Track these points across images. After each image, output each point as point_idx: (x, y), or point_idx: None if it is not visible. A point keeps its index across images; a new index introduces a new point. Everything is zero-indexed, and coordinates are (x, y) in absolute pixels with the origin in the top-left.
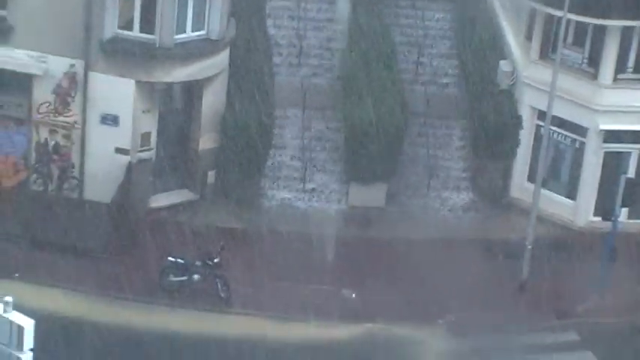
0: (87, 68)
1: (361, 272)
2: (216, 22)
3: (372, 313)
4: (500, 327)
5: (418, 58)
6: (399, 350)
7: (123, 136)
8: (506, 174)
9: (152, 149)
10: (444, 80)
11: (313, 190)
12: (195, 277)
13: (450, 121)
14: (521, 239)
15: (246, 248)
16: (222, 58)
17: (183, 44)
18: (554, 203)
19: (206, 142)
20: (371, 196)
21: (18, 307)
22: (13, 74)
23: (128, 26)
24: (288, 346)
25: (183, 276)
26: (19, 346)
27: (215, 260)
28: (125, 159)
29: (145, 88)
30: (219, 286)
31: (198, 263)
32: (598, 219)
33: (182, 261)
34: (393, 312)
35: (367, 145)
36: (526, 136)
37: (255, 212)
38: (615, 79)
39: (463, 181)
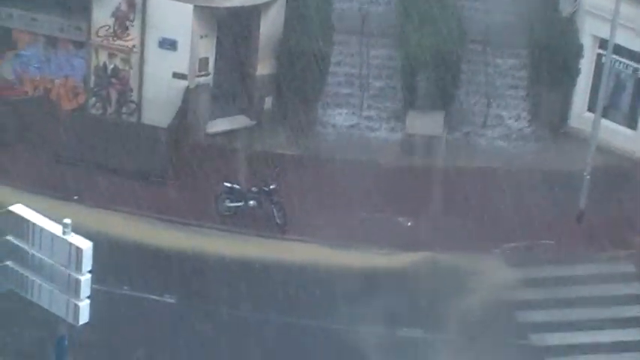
0: None
1: (418, 200)
2: None
3: (428, 242)
4: (557, 257)
5: None
6: (454, 279)
7: (181, 60)
8: (566, 103)
9: (210, 75)
10: (504, 7)
11: (370, 117)
12: (251, 203)
13: (510, 48)
14: (579, 169)
15: (303, 175)
16: None
17: None
18: (613, 133)
19: (263, 68)
20: (428, 123)
21: (77, 230)
22: None
23: None
24: (343, 274)
25: (239, 202)
26: (78, 268)
27: (271, 186)
28: (183, 84)
29: (204, 13)
30: (275, 213)
31: (254, 189)
32: None
33: (238, 187)
34: (449, 241)
35: (425, 72)
36: (586, 65)
37: (312, 139)
38: None
39: (522, 110)
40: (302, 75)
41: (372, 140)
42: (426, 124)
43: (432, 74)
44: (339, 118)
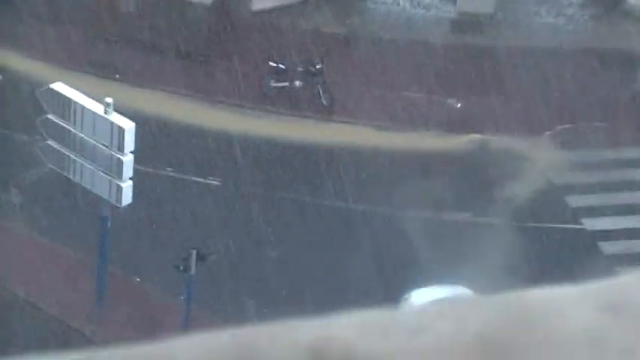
0: None
1: (467, 81)
2: None
3: (477, 124)
4: (610, 140)
5: None
6: (504, 162)
7: None
8: None
9: None
10: None
11: None
12: (297, 83)
13: None
14: (637, 49)
15: (351, 54)
16: None
17: None
18: None
19: None
20: (480, 1)
21: (119, 110)
22: None
23: None
24: (390, 157)
25: (284, 82)
26: (120, 149)
27: (318, 66)
28: None
29: None
30: (322, 93)
31: (300, 69)
32: None
33: (283, 66)
34: (499, 123)
35: None
36: None
37: (360, 17)
38: None
39: None
40: None
41: (423, 18)
42: (477, 1)
43: None
44: None
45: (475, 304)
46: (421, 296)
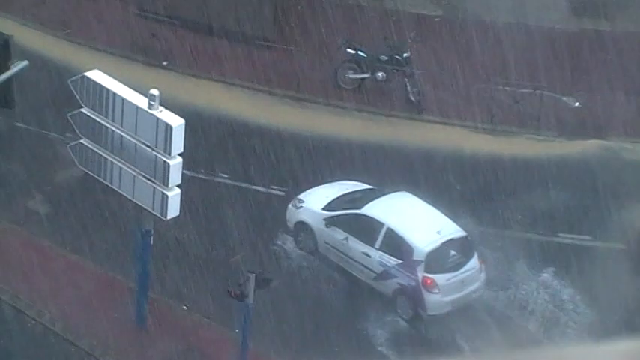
0: None
1: (587, 75)
2: None
3: (599, 127)
4: None
5: None
6: (632, 175)
7: None
8: None
9: None
10: None
11: None
12: (380, 74)
13: None
14: None
15: (445, 41)
16: None
17: None
18: None
19: None
20: None
21: (166, 103)
22: None
23: None
24: (492, 164)
25: (364, 72)
26: (167, 150)
27: (405, 55)
28: None
29: None
30: (409, 87)
31: (383, 57)
32: None
33: (364, 54)
34: (626, 126)
35: None
36: None
37: None
38: None
39: None
40: None
41: None
42: None
43: None
44: None
45: None
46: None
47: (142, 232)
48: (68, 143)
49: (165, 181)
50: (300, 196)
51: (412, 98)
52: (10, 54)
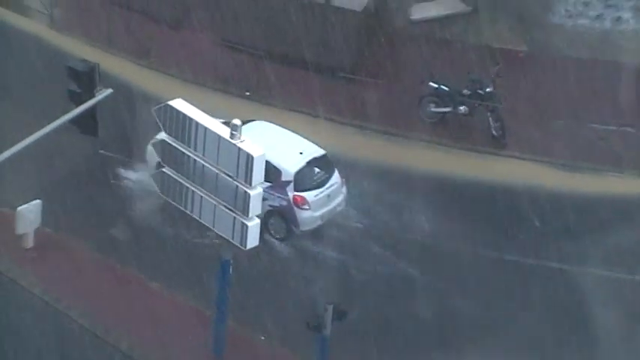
0: None
1: None
2: None
3: None
4: None
5: None
6: None
7: None
8: None
9: None
10: None
11: (618, 5)
12: (462, 108)
13: None
14: None
15: (528, 76)
16: None
17: None
18: None
19: None
20: None
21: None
22: None
23: None
24: (573, 201)
25: (446, 106)
26: (248, 180)
27: (487, 89)
28: None
29: None
30: (491, 122)
31: (466, 92)
32: None
33: (447, 88)
34: None
35: None
36: None
37: (541, 31)
38: None
39: None
40: None
41: (618, 34)
42: None
43: None
44: (578, 5)
45: None
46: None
47: (222, 262)
48: (150, 171)
49: (245, 211)
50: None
51: (494, 133)
52: (95, 82)
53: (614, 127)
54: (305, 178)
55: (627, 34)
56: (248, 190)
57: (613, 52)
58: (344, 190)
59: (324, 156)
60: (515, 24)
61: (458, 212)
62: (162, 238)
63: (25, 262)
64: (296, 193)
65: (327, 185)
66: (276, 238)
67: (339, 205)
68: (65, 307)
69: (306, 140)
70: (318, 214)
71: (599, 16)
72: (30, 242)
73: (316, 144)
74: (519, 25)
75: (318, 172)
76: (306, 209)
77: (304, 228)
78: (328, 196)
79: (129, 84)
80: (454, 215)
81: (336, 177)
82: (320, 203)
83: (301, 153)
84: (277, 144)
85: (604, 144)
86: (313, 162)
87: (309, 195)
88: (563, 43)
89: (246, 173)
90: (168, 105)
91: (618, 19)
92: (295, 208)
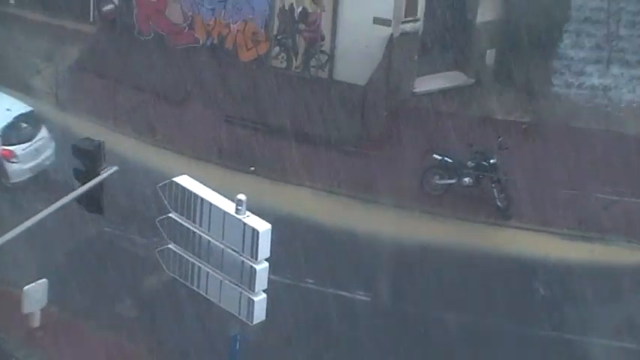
0: None
1: None
2: None
3: None
4: None
5: None
6: None
7: (384, 3)
8: None
9: (419, 20)
10: None
11: (619, 75)
12: (466, 180)
13: None
14: None
15: (532, 147)
16: None
17: None
18: None
19: (486, 12)
20: None
21: (253, 209)
22: None
23: None
24: (580, 272)
25: (451, 178)
26: (254, 255)
27: (491, 161)
28: (386, 31)
29: None
30: (496, 193)
31: (470, 164)
32: None
33: (450, 160)
34: None
35: None
36: None
37: (544, 102)
38: None
39: None
40: (535, 23)
41: (620, 104)
42: None
43: None
44: (580, 76)
45: None
46: None
47: (230, 337)
48: (157, 248)
49: (251, 286)
50: None
51: (499, 204)
52: (100, 159)
53: (618, 197)
54: (12, 133)
55: (629, 104)
56: (254, 265)
57: (615, 122)
58: (52, 144)
59: (31, 112)
60: (517, 95)
61: (461, 283)
62: (170, 315)
63: (32, 342)
64: (4, 147)
65: (35, 139)
66: None
67: (48, 158)
68: None
69: (13, 98)
70: (27, 166)
71: (600, 87)
72: (37, 321)
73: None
74: (521, 96)
75: (25, 127)
76: (15, 162)
77: (15, 180)
78: (36, 149)
79: (134, 161)
80: (457, 285)
81: (43, 132)
82: (29, 156)
83: (9, 109)
84: None
85: (609, 214)
86: (20, 117)
87: (17, 148)
88: (566, 114)
89: (252, 248)
90: (173, 182)
91: (618, 89)
92: (4, 162)
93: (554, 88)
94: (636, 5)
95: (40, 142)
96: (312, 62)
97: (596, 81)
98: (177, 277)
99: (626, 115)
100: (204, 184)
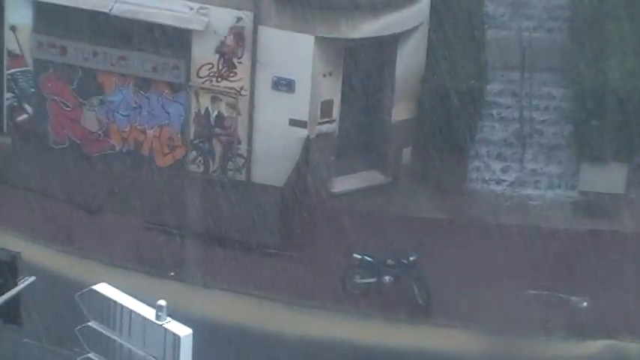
0: (257, 22)
1: (594, 275)
2: None
3: (610, 327)
4: None
5: None
6: None
7: (299, 105)
8: None
9: (334, 121)
10: None
11: (534, 171)
12: (387, 278)
13: None
14: None
15: (450, 244)
16: (422, 7)
17: None
18: None
19: (401, 112)
20: (607, 179)
21: (173, 314)
22: (169, 30)
23: None
24: None
25: (371, 277)
26: None
27: (411, 258)
28: (302, 133)
29: (327, 46)
30: (416, 291)
31: (390, 262)
32: None
33: (370, 259)
34: (634, 326)
35: (604, 115)
36: None
37: (461, 199)
38: None
39: None
40: (448, 121)
41: (536, 200)
42: (603, 179)
43: (613, 118)
44: (495, 173)
45: None
46: None
47: None
48: (76, 358)
49: None
50: None
51: (420, 301)
52: (17, 270)
53: (538, 292)
54: None
55: (546, 200)
56: None
57: (532, 216)
58: None
59: None
60: (434, 193)
61: None
62: None
63: None
64: None
65: None
66: None
67: None
68: None
69: None
70: None
71: (515, 182)
72: None
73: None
74: (439, 193)
75: None
76: None
77: None
78: None
79: (52, 271)
80: None
81: None
82: None
83: None
84: None
85: (529, 308)
86: None
87: None
88: (482, 210)
89: (174, 354)
90: (92, 290)
91: (536, 184)
92: None
93: (470, 185)
94: (548, 101)
95: None
96: (230, 166)
97: (511, 176)
98: None
99: (543, 210)
100: (124, 292)
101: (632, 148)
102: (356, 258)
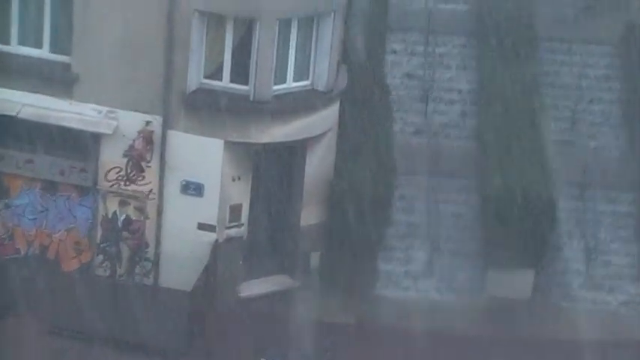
0: (166, 126)
1: None
2: (324, 71)
3: None
4: None
5: (573, 114)
6: None
7: (208, 209)
8: None
9: (243, 225)
10: (607, 140)
11: (442, 276)
12: None
13: (615, 192)
14: None
15: (359, 349)
16: (331, 113)
17: (283, 97)
18: None
19: (309, 216)
20: (514, 285)
21: None
22: (77, 133)
23: (216, 75)
24: None
25: None
26: None
27: None
28: (210, 237)
29: (236, 151)
30: None
31: None
32: None
33: None
34: None
35: (509, 221)
36: None
37: (370, 304)
38: None
39: (632, 269)
40: (357, 226)
41: (444, 305)
42: (510, 285)
43: (518, 224)
44: (403, 278)
45: None
46: None
47: None
48: None
49: None
50: None
51: None
52: None
53: None
54: None
55: (454, 305)
56: None
57: (443, 321)
58: None
59: None
60: (343, 297)
61: None
62: None
63: None
64: None
65: None
66: None
67: None
68: None
69: None
70: None
71: (424, 287)
72: None
73: None
74: (348, 298)
75: None
76: None
77: None
78: None
79: None
80: None
81: None
82: None
83: None
84: None
85: None
86: None
87: None
88: (392, 314)
89: None
90: None
91: (445, 291)
92: None
93: (378, 289)
94: (454, 195)
95: None
96: (137, 270)
97: (420, 282)
98: None
99: (451, 315)
100: None
101: (538, 255)
102: None
